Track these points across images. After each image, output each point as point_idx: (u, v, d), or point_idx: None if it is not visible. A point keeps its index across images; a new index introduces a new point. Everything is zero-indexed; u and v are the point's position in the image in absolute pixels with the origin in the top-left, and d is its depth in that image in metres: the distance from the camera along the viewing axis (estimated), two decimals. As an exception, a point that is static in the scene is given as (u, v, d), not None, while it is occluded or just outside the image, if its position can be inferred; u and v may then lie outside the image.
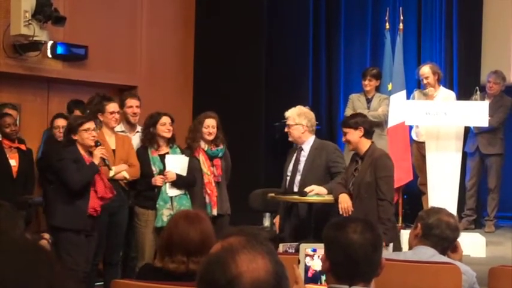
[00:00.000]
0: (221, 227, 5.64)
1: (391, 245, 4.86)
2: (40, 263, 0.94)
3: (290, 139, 5.78)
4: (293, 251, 4.44)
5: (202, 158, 5.85)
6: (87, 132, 5.12)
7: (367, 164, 4.96)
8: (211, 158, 5.89)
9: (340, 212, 5.07)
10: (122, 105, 5.95)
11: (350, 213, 5.01)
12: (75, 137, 5.12)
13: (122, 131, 5.90)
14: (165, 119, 5.73)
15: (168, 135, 5.74)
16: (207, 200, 5.81)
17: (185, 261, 2.79)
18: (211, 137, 5.88)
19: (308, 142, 5.64)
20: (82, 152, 5.15)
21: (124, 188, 5.66)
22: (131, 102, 5.99)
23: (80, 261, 5.07)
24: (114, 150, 5.61)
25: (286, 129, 5.76)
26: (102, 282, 5.84)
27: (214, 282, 1.45)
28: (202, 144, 5.90)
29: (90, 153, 5.19)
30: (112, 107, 5.68)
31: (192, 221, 2.84)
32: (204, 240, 2.78)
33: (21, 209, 4.97)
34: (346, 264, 2.25)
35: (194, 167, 5.79)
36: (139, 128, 6.07)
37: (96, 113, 5.65)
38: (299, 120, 5.62)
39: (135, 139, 5.95)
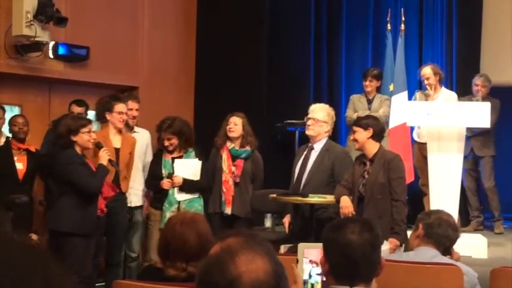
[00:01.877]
0: (236, 228, 5.67)
1: (403, 245, 4.86)
2: (35, 262, 0.93)
3: (309, 133, 5.67)
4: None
5: (225, 156, 5.93)
6: (88, 135, 5.09)
7: (379, 165, 4.95)
8: (234, 157, 5.93)
9: (342, 217, 5.05)
10: None
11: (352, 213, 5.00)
12: (75, 138, 5.06)
13: None
14: None
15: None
16: (223, 198, 5.89)
17: (185, 268, 2.78)
18: (232, 134, 5.93)
19: (321, 142, 5.63)
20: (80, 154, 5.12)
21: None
22: (132, 105, 6.07)
23: (85, 265, 5.07)
24: (118, 150, 5.64)
25: (308, 123, 5.65)
26: (104, 283, 5.84)
27: (214, 283, 1.45)
28: (229, 143, 5.98)
29: (84, 156, 5.17)
30: (120, 107, 5.75)
31: (188, 225, 2.83)
32: (201, 242, 2.77)
33: (8, 210, 4.93)
34: (346, 265, 2.24)
35: (218, 166, 5.92)
36: (136, 129, 6.13)
37: (103, 111, 5.70)
38: (328, 118, 5.62)
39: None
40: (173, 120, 5.75)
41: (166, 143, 5.74)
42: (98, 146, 5.23)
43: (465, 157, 7.32)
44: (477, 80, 7.30)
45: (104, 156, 5.17)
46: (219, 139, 5.99)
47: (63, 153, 5.07)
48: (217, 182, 5.95)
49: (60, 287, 0.94)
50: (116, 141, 5.69)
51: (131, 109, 6.05)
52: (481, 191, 7.55)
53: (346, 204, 5.02)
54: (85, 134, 5.07)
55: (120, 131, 5.77)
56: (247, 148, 5.98)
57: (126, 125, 6.04)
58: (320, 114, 5.62)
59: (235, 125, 5.94)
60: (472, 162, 7.40)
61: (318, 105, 5.78)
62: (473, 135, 7.18)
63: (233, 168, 5.93)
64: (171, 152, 5.78)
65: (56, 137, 5.17)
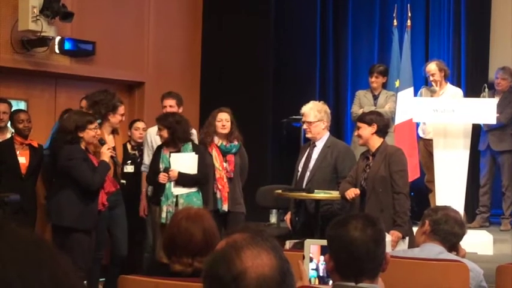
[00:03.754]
0: (233, 224, 5.64)
1: (407, 238, 4.85)
2: (42, 256, 0.94)
3: (309, 136, 5.71)
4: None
5: (215, 153, 5.88)
6: (94, 131, 5.12)
7: (380, 159, 4.97)
8: (224, 153, 5.91)
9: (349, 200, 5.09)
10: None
11: (358, 194, 5.02)
12: (82, 134, 5.08)
13: None
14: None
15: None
16: (218, 195, 5.84)
17: (191, 263, 2.78)
18: (225, 130, 5.89)
19: (322, 139, 5.63)
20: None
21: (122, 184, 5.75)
22: (167, 102, 6.11)
23: (86, 260, 5.07)
24: (114, 147, 5.68)
25: (304, 127, 5.70)
26: (104, 278, 5.85)
27: (220, 278, 1.46)
28: (216, 140, 5.93)
29: (87, 150, 5.17)
30: (123, 109, 5.84)
31: (194, 220, 2.82)
32: (207, 238, 2.77)
33: None
34: (350, 261, 2.24)
35: (207, 162, 5.83)
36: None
37: (107, 112, 5.66)
38: (320, 116, 5.61)
39: None
40: (168, 116, 5.72)
41: (157, 133, 5.74)
42: (101, 142, 5.25)
43: (483, 153, 7.31)
44: (497, 73, 7.35)
45: (106, 153, 5.18)
46: (209, 136, 5.91)
47: (66, 147, 5.08)
48: (210, 180, 5.86)
49: (66, 281, 0.94)
50: (110, 140, 5.73)
51: (165, 106, 6.07)
52: (494, 188, 7.49)
53: (351, 191, 5.02)
54: (92, 130, 5.10)
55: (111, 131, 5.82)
56: (236, 143, 5.97)
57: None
58: (312, 115, 5.61)
59: (227, 121, 5.91)
60: (489, 159, 7.35)
61: (308, 106, 5.71)
62: (490, 129, 7.15)
63: (225, 164, 5.90)
64: (169, 147, 5.75)
65: (62, 132, 5.17)
